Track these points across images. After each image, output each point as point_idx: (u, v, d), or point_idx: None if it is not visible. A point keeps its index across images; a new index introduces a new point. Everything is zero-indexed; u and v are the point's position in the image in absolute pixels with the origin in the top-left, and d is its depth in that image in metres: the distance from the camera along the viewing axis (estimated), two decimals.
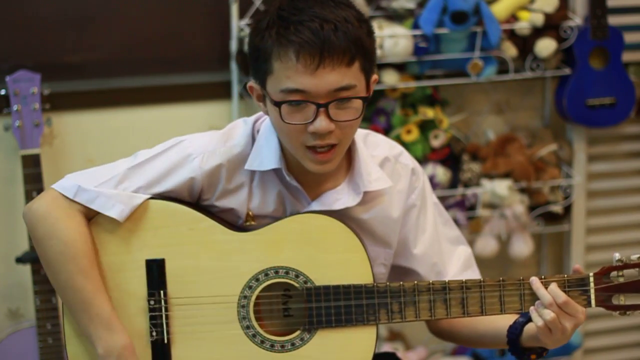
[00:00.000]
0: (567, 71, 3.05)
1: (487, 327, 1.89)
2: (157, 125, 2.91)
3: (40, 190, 2.64)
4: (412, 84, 2.94)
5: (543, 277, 1.77)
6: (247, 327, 1.80)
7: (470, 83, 3.06)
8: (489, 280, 1.79)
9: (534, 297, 1.76)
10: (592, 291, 1.77)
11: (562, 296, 1.73)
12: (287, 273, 1.80)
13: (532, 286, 1.76)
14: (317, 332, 1.80)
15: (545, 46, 2.95)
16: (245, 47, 2.80)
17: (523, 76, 3.01)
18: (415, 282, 1.80)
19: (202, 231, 1.81)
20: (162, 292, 1.80)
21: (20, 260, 2.70)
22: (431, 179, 2.96)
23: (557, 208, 3.14)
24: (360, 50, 1.70)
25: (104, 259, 1.80)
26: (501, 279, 1.78)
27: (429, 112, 2.94)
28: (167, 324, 1.80)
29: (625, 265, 1.76)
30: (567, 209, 3.19)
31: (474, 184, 3.04)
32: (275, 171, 1.83)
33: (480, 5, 2.84)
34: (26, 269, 2.76)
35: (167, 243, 1.80)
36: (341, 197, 1.85)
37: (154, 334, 1.80)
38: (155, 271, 1.80)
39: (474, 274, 1.99)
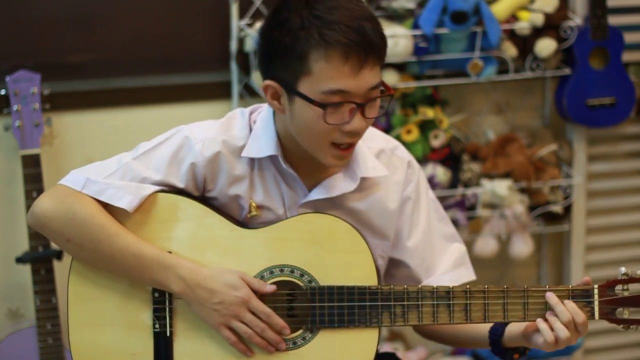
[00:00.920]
0: (567, 71, 3.05)
1: (469, 328, 1.90)
2: (157, 125, 2.89)
3: (40, 190, 2.64)
4: (412, 84, 2.94)
5: (547, 286, 1.77)
6: None
7: (470, 83, 3.06)
8: (493, 287, 1.78)
9: (538, 306, 1.77)
10: (596, 303, 1.76)
11: (581, 316, 1.73)
12: (292, 272, 1.80)
13: (549, 301, 1.75)
14: (320, 332, 1.80)
15: (545, 46, 2.95)
16: (247, 47, 2.81)
17: (523, 76, 3.01)
18: (419, 286, 1.80)
19: (210, 226, 1.81)
20: None
21: (20, 260, 2.70)
22: (431, 179, 2.96)
23: (557, 208, 3.14)
24: (386, 47, 1.72)
25: None
26: (505, 286, 1.78)
27: (429, 112, 2.94)
28: (170, 317, 1.81)
29: (630, 279, 1.76)
30: (567, 209, 3.19)
31: (474, 184, 3.04)
32: (272, 160, 1.84)
33: (480, 5, 2.84)
34: (26, 269, 2.76)
35: (174, 237, 1.81)
36: (338, 184, 1.85)
37: (157, 326, 1.81)
38: None
39: (467, 272, 1.99)
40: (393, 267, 1.98)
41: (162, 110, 2.93)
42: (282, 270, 1.81)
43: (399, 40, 2.82)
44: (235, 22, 2.85)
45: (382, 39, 1.70)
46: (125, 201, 1.78)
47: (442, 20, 2.85)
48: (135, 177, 1.81)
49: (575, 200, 3.19)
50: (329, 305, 1.79)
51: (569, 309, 1.73)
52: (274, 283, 1.81)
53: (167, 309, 1.81)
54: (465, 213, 3.04)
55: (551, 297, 1.75)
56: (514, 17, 2.95)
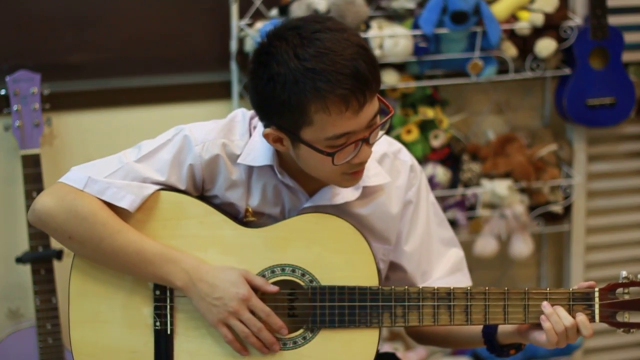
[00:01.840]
0: (567, 71, 3.05)
1: (462, 328, 1.89)
2: (157, 125, 2.89)
3: (40, 190, 2.64)
4: (412, 84, 2.94)
5: (548, 289, 1.77)
6: None
7: (470, 83, 3.06)
8: (494, 288, 1.79)
9: (538, 309, 1.77)
10: (597, 306, 1.76)
11: (590, 328, 1.74)
12: (293, 271, 1.80)
13: (544, 310, 1.76)
14: (320, 331, 1.80)
15: (545, 46, 2.95)
16: (247, 47, 2.81)
17: (523, 76, 3.01)
18: (420, 287, 1.80)
19: (212, 225, 1.82)
20: None
21: (20, 260, 2.70)
22: (431, 179, 2.96)
23: (557, 208, 3.14)
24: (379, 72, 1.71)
25: None
26: (506, 288, 1.78)
27: (429, 112, 2.94)
28: (171, 314, 1.81)
29: (631, 282, 1.76)
30: (567, 209, 3.19)
31: (474, 184, 3.04)
32: (271, 168, 1.84)
33: (480, 5, 2.84)
34: (26, 269, 2.76)
35: (177, 235, 1.81)
36: (340, 192, 1.85)
37: (158, 324, 1.81)
38: None
39: (464, 277, 1.99)
40: (389, 270, 1.98)
41: (162, 110, 2.93)
42: (283, 270, 1.81)
43: (399, 40, 2.82)
44: (235, 22, 2.85)
45: (376, 69, 1.67)
46: (127, 201, 1.78)
47: (442, 20, 2.85)
48: (137, 178, 1.81)
49: (575, 200, 3.19)
50: (330, 305, 1.79)
51: (579, 322, 1.74)
52: (275, 282, 1.81)
53: (168, 306, 1.81)
54: (465, 213, 3.04)
55: (546, 307, 1.76)
56: (514, 17, 2.95)
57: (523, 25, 2.94)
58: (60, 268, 2.69)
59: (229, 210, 1.86)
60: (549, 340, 1.76)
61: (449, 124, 3.02)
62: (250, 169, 1.84)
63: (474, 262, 2.05)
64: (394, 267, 1.97)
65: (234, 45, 2.87)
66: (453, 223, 3.03)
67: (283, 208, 1.87)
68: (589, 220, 3.28)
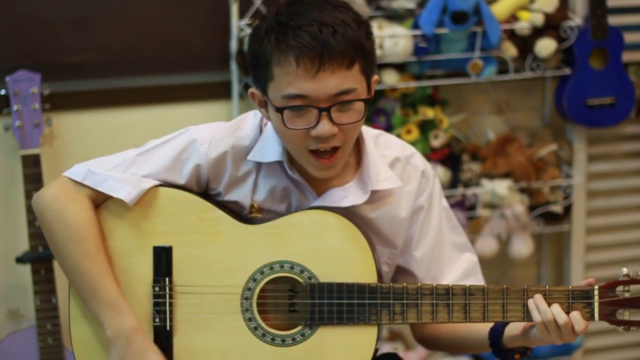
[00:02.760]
0: (567, 71, 3.05)
1: (470, 332, 1.89)
2: (157, 125, 2.91)
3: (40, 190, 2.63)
4: (412, 84, 2.94)
5: (547, 287, 1.77)
6: (250, 320, 1.81)
7: (470, 83, 3.06)
8: (493, 286, 1.78)
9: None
10: (596, 304, 1.75)
11: (582, 323, 1.73)
12: (292, 268, 1.80)
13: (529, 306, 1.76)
14: (319, 328, 1.80)
15: (545, 46, 2.95)
16: (246, 48, 2.81)
17: (523, 76, 3.01)
18: (419, 284, 1.79)
19: (211, 221, 1.82)
20: (167, 279, 1.81)
21: (20, 260, 2.70)
22: None
23: (557, 208, 3.14)
24: (360, 52, 1.70)
25: (112, 244, 1.82)
26: (505, 286, 1.77)
27: (429, 112, 2.94)
28: (170, 311, 1.81)
29: (632, 280, 1.75)
30: (567, 209, 3.19)
31: (474, 184, 3.04)
32: (281, 165, 1.84)
33: (480, 5, 2.84)
34: (26, 269, 2.76)
35: (176, 231, 1.82)
36: (349, 194, 1.85)
37: (157, 320, 1.81)
38: (162, 258, 1.81)
39: (477, 282, 1.97)
40: (399, 274, 1.97)
41: (162, 110, 2.93)
42: (282, 267, 1.81)
43: (399, 40, 2.82)
44: (235, 22, 2.85)
45: (350, 44, 1.67)
46: (123, 192, 1.79)
47: (442, 20, 2.85)
48: (137, 172, 1.82)
49: (575, 200, 3.19)
50: (329, 302, 1.79)
51: (572, 317, 1.73)
52: (273, 279, 1.81)
53: (167, 302, 1.81)
54: (465, 213, 3.04)
55: (530, 304, 1.75)
56: (514, 17, 2.95)
57: (523, 25, 2.94)
58: (60, 268, 2.68)
59: (232, 208, 1.87)
60: (540, 333, 1.74)
61: (449, 124, 3.02)
62: (258, 166, 1.85)
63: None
64: (403, 271, 1.96)
65: (234, 45, 2.87)
66: None
67: (290, 206, 1.87)
68: (589, 220, 3.28)
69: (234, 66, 2.89)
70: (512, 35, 2.96)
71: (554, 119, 3.23)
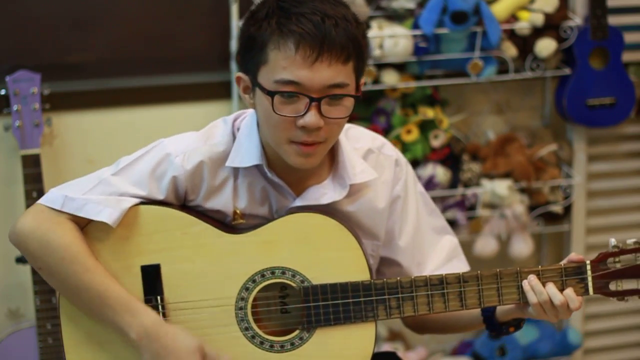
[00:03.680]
0: (567, 71, 3.05)
1: (460, 311, 1.89)
2: (157, 125, 2.91)
3: (40, 190, 2.64)
4: (412, 84, 2.94)
5: (540, 266, 1.77)
6: (246, 329, 1.80)
7: (470, 83, 3.06)
8: (486, 272, 1.79)
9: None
10: (590, 279, 1.77)
11: (559, 298, 1.74)
12: (283, 273, 1.80)
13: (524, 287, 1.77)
14: (316, 330, 1.80)
15: (545, 46, 2.95)
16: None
17: (523, 76, 3.01)
18: (413, 277, 1.80)
19: (196, 234, 1.80)
20: (158, 297, 1.80)
21: (20, 260, 2.70)
22: (431, 179, 2.96)
23: (557, 208, 3.14)
24: (357, 50, 1.70)
25: None
26: (498, 270, 1.78)
27: (429, 112, 2.95)
28: None
29: (621, 251, 1.77)
30: (567, 209, 3.19)
31: (474, 184, 3.04)
32: (258, 168, 1.83)
33: (480, 5, 2.84)
34: (26, 269, 2.76)
35: (161, 248, 1.79)
36: (327, 191, 1.85)
37: None
38: (151, 277, 1.79)
39: (460, 263, 1.99)
40: (384, 266, 1.98)
41: (162, 110, 2.93)
42: (273, 273, 1.80)
43: (399, 40, 2.82)
44: (235, 22, 2.85)
45: (350, 39, 1.68)
46: (105, 214, 1.75)
47: (442, 20, 2.85)
48: (115, 192, 1.79)
49: (575, 200, 3.19)
50: (324, 303, 1.79)
51: (546, 289, 1.75)
52: (266, 286, 1.80)
53: (160, 316, 1.78)
54: (465, 213, 3.04)
55: (526, 285, 1.77)
56: (514, 17, 2.95)
57: (523, 25, 2.94)
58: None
59: (215, 217, 1.85)
60: (536, 313, 1.76)
61: (449, 124, 3.02)
62: (235, 171, 1.84)
63: (474, 262, 2.05)
64: (388, 262, 1.97)
65: (234, 45, 2.87)
66: (453, 223, 3.03)
67: (270, 208, 1.86)
68: (589, 220, 3.28)
69: (234, 66, 2.89)
70: (512, 35, 2.96)
71: (554, 119, 3.23)
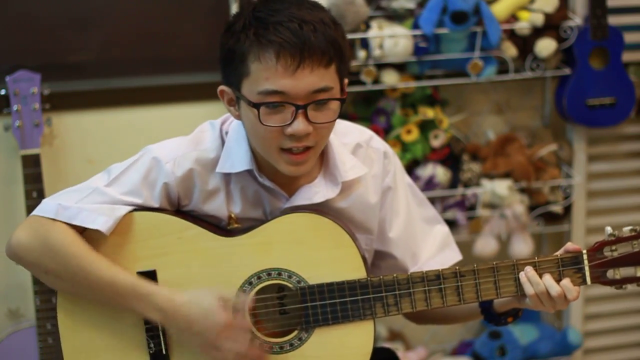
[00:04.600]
0: (567, 71, 3.05)
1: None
2: (157, 125, 2.92)
3: (40, 190, 2.64)
4: (412, 84, 2.94)
5: (536, 257, 1.77)
6: None
7: (470, 83, 3.06)
8: (483, 265, 1.79)
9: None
10: (587, 268, 1.77)
11: (556, 289, 1.74)
12: (279, 274, 1.80)
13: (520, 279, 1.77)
14: (315, 330, 1.80)
15: (545, 46, 2.95)
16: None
17: (523, 76, 3.01)
18: (409, 273, 1.80)
19: (191, 239, 1.80)
20: None
21: None
22: (431, 179, 2.96)
23: (557, 208, 3.14)
24: (337, 52, 1.69)
25: None
26: (495, 263, 1.78)
27: (429, 112, 2.95)
28: (164, 334, 1.80)
29: (618, 239, 1.77)
30: (567, 209, 3.19)
31: (474, 184, 3.04)
32: (249, 172, 1.83)
33: (480, 5, 2.84)
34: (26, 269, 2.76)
35: (157, 254, 1.79)
36: (319, 189, 1.85)
37: (152, 345, 1.80)
38: None
39: (452, 253, 2.00)
40: (379, 259, 1.98)
41: (162, 110, 2.93)
42: (269, 274, 1.80)
43: (399, 40, 2.82)
44: None
45: (329, 43, 1.67)
46: (99, 222, 1.75)
47: (442, 20, 2.85)
48: (108, 201, 1.79)
49: (575, 200, 3.19)
50: (321, 303, 1.79)
51: (543, 280, 1.75)
52: (262, 288, 1.80)
53: (160, 327, 1.79)
54: (465, 213, 3.04)
55: (523, 278, 1.76)
56: (514, 17, 2.95)
57: (523, 25, 2.94)
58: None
59: (210, 221, 1.85)
60: (533, 304, 1.76)
61: (449, 124, 3.02)
62: (227, 177, 1.83)
63: (474, 262, 2.05)
64: (382, 255, 1.97)
65: None
66: (453, 223, 3.03)
67: (264, 211, 1.86)
68: (589, 220, 3.28)
69: None
70: (512, 35, 2.96)
71: (554, 119, 3.23)
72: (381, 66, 2.88)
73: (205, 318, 1.71)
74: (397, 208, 1.96)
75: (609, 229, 1.77)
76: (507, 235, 3.09)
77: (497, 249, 3.08)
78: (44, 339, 2.69)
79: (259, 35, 1.65)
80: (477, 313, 1.88)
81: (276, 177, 1.83)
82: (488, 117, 3.19)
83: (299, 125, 1.68)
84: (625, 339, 3.41)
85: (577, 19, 3.01)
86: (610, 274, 1.77)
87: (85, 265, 1.73)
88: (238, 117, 1.78)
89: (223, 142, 1.84)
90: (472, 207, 3.05)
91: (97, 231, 1.76)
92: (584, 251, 1.77)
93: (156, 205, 1.81)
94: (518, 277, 1.77)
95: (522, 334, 3.17)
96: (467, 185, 3.04)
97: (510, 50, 2.95)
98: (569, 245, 1.79)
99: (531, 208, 3.11)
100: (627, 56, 3.12)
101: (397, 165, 1.97)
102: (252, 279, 1.80)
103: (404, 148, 2.94)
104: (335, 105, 1.72)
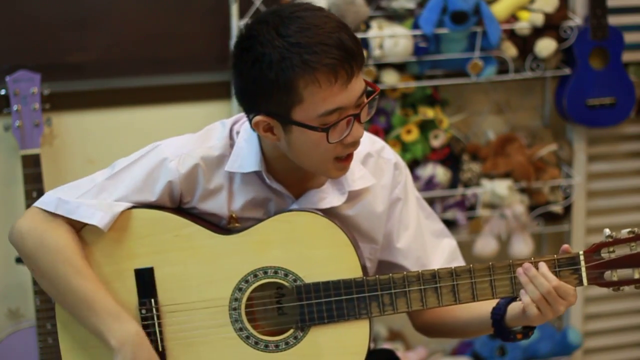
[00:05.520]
0: (567, 71, 3.05)
1: (471, 313, 1.89)
2: (157, 125, 2.92)
3: (40, 190, 2.64)
4: (412, 84, 2.94)
5: (532, 258, 1.76)
6: (240, 330, 1.80)
7: (470, 83, 3.06)
8: (479, 265, 1.78)
9: None
10: (584, 270, 1.76)
11: (553, 280, 1.72)
12: (276, 273, 1.80)
13: (521, 279, 1.74)
14: (311, 329, 1.80)
15: (545, 46, 2.95)
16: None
17: (523, 76, 3.01)
18: (405, 272, 1.79)
19: (188, 237, 1.80)
20: (152, 300, 1.80)
21: (20, 260, 2.69)
22: (431, 179, 2.96)
23: (557, 208, 3.14)
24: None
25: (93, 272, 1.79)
26: (491, 263, 1.78)
27: (429, 112, 2.95)
28: (160, 332, 1.80)
29: (615, 240, 1.76)
30: (567, 209, 3.19)
31: (474, 184, 3.04)
32: (257, 173, 1.83)
33: (480, 5, 2.84)
34: (26, 269, 2.74)
35: (154, 251, 1.80)
36: (326, 196, 1.85)
37: None
38: (145, 280, 1.80)
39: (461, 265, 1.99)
40: (388, 270, 1.96)
41: (162, 110, 2.93)
42: (265, 273, 1.80)
43: (399, 40, 2.82)
44: (235, 22, 2.85)
45: (358, 44, 1.67)
46: (96, 218, 1.76)
47: (442, 20, 2.85)
48: (108, 197, 1.79)
49: (575, 200, 3.19)
50: (317, 302, 1.78)
51: (540, 273, 1.73)
52: (259, 286, 1.80)
53: (156, 324, 1.79)
54: (465, 213, 3.04)
55: (521, 275, 1.75)
56: (514, 17, 2.95)
57: (523, 25, 2.94)
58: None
59: (209, 220, 1.85)
60: (531, 296, 1.73)
61: (449, 124, 3.02)
62: (231, 176, 1.83)
63: (474, 262, 2.05)
64: (391, 266, 1.96)
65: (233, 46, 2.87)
66: (453, 223, 3.03)
67: (268, 212, 1.86)
68: (589, 220, 3.28)
69: None
70: (512, 35, 2.96)
71: (554, 119, 3.23)
72: (381, 66, 2.88)
73: None
74: (407, 220, 1.95)
75: (607, 231, 1.76)
76: (507, 235, 3.09)
77: (497, 249, 3.08)
78: (44, 339, 2.69)
79: (309, 61, 1.62)
80: (488, 327, 1.85)
81: (284, 179, 1.83)
82: (488, 117, 3.19)
83: (358, 130, 1.70)
84: (625, 339, 3.41)
85: (577, 19, 3.01)
86: (607, 275, 1.76)
87: (70, 271, 1.74)
88: (277, 140, 1.74)
89: (231, 141, 1.84)
90: (472, 207, 3.05)
91: (95, 226, 1.76)
92: (581, 252, 1.76)
93: (154, 199, 1.81)
94: (513, 277, 1.76)
95: None
96: (467, 185, 3.05)
97: (510, 50, 2.95)
98: (566, 247, 1.78)
99: (531, 208, 3.11)
100: (627, 56, 3.12)
101: (407, 177, 1.97)
102: (249, 277, 1.80)
103: (404, 148, 2.94)
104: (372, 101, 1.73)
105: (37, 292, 2.68)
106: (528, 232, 3.11)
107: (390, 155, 1.95)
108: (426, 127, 2.97)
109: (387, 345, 3.10)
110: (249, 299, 1.80)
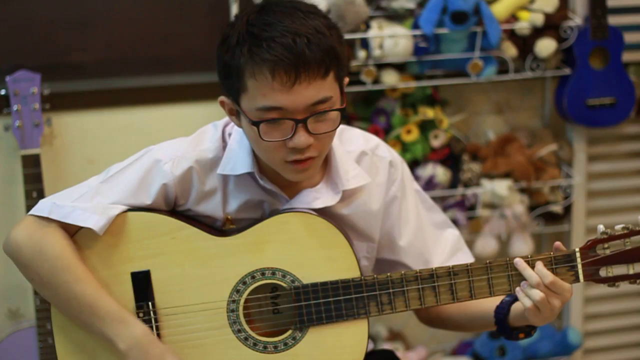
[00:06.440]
0: (567, 71, 3.05)
1: (476, 310, 1.90)
2: (157, 125, 2.92)
3: (40, 190, 2.64)
4: (412, 84, 2.94)
5: (529, 256, 1.77)
6: (239, 331, 1.80)
7: (470, 83, 3.06)
8: (476, 264, 1.79)
9: (522, 277, 1.76)
10: (580, 266, 1.77)
11: (549, 275, 1.73)
12: (273, 274, 1.80)
13: (517, 267, 1.76)
14: (309, 330, 1.80)
15: (545, 46, 2.95)
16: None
17: (523, 76, 3.01)
18: (403, 272, 1.79)
19: (185, 239, 1.80)
20: (150, 303, 1.79)
21: None
22: (431, 179, 2.96)
23: (557, 208, 3.14)
24: (334, 59, 1.67)
25: None
26: (488, 261, 1.78)
27: (429, 112, 2.95)
28: (158, 335, 1.80)
29: (610, 237, 1.77)
30: (567, 209, 3.19)
31: (474, 184, 3.04)
32: (250, 174, 1.83)
33: (480, 5, 2.84)
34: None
35: (151, 254, 1.79)
36: (320, 195, 1.85)
37: None
38: (142, 283, 1.79)
39: (465, 256, 2.00)
40: (391, 268, 1.97)
41: (162, 110, 2.93)
42: (263, 274, 1.80)
43: (399, 40, 2.82)
44: None
45: (325, 53, 1.64)
46: (92, 221, 1.75)
47: (442, 20, 2.85)
48: (103, 200, 1.79)
49: (575, 200, 3.19)
50: (315, 302, 1.79)
51: (537, 271, 1.74)
52: (256, 287, 1.80)
53: (154, 327, 1.79)
54: (465, 213, 3.05)
55: (519, 263, 1.76)
56: (514, 17, 2.95)
57: (523, 25, 2.94)
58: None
59: (205, 222, 1.85)
60: (526, 309, 1.74)
61: (449, 124, 3.02)
62: (225, 178, 1.83)
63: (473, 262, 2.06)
64: (393, 264, 1.97)
65: None
66: (453, 223, 3.03)
67: (262, 213, 1.86)
68: (589, 220, 3.28)
69: None
70: (512, 35, 2.96)
71: (554, 119, 3.23)
72: (381, 66, 2.88)
73: None
74: (407, 216, 1.95)
75: (601, 227, 1.77)
76: (507, 235, 3.09)
77: (497, 249, 3.08)
78: (44, 339, 2.69)
79: (253, 52, 1.63)
80: (492, 324, 1.86)
81: (277, 179, 1.83)
82: (488, 117, 3.19)
83: (300, 138, 1.68)
84: (625, 339, 3.41)
85: (577, 19, 3.01)
86: (603, 271, 1.77)
87: (72, 279, 1.74)
88: (239, 126, 1.78)
89: (224, 143, 1.84)
90: (472, 207, 3.06)
91: (90, 230, 1.76)
92: (577, 249, 1.77)
93: (149, 203, 1.81)
94: (511, 275, 1.77)
95: None
96: (467, 185, 3.05)
97: (510, 50, 2.95)
98: (558, 245, 1.79)
99: (531, 208, 3.11)
100: (627, 56, 3.12)
101: (405, 173, 1.96)
102: (246, 279, 1.80)
103: (404, 148, 2.94)
104: (335, 115, 1.70)
105: (37, 292, 2.68)
106: (528, 232, 3.12)
107: (385, 153, 1.95)
108: (426, 127, 2.97)
109: (387, 345, 3.10)
110: (246, 300, 1.80)
